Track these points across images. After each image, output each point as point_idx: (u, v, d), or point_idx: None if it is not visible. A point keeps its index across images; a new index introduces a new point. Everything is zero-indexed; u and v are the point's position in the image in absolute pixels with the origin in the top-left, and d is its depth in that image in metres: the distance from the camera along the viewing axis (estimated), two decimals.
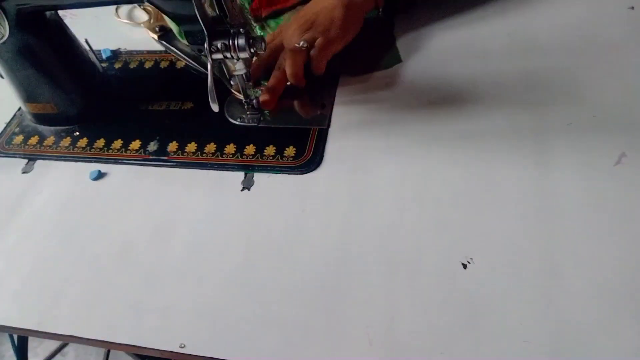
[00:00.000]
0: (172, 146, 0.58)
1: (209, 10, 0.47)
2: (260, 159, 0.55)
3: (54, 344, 1.27)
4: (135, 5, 0.76)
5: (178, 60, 0.68)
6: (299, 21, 0.59)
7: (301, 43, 0.56)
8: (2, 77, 0.60)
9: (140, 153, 0.58)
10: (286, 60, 0.56)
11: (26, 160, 0.61)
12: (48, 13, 0.56)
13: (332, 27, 0.57)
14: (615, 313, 0.39)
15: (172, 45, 0.68)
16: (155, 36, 0.67)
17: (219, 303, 0.45)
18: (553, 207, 0.45)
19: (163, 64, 0.69)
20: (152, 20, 0.72)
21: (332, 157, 0.54)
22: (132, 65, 0.70)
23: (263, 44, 0.49)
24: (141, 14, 0.75)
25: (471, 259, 0.44)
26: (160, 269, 0.48)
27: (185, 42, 0.52)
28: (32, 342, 1.26)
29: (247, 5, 0.66)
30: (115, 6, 0.76)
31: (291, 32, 0.59)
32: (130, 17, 0.76)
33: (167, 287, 0.47)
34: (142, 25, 0.73)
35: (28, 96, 0.61)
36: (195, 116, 0.61)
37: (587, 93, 0.53)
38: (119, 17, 0.76)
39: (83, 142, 0.61)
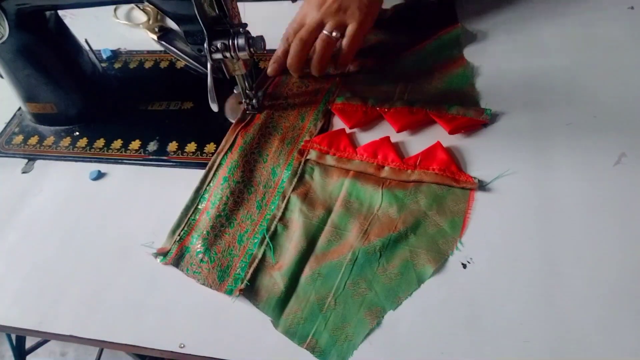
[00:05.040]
0: (172, 146, 0.58)
1: (208, 10, 0.47)
2: None
3: (52, 344, 1.27)
4: (134, 6, 0.76)
5: (178, 60, 0.68)
6: (321, 5, 0.56)
7: (334, 34, 0.55)
8: (2, 77, 0.60)
9: (140, 153, 0.58)
10: (317, 50, 0.56)
11: (26, 160, 0.61)
12: (48, 13, 0.56)
13: (361, 11, 0.55)
14: (615, 313, 0.39)
15: (171, 46, 0.68)
16: (155, 36, 0.67)
17: (219, 303, 0.45)
18: (553, 207, 0.45)
19: (163, 64, 0.69)
20: (151, 21, 0.72)
21: None
22: (132, 65, 0.70)
23: (262, 43, 0.49)
24: (140, 15, 0.75)
25: (471, 259, 0.44)
26: (160, 269, 0.48)
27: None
28: (32, 342, 1.25)
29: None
30: (113, 7, 0.76)
31: (316, 16, 0.56)
32: (128, 18, 0.76)
33: (167, 287, 0.47)
34: (141, 26, 0.73)
35: (28, 96, 0.61)
36: (195, 116, 0.61)
37: (587, 93, 0.53)
38: (117, 18, 0.76)
39: (83, 142, 0.61)
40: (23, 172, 0.60)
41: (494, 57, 0.59)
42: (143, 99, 0.64)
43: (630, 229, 0.43)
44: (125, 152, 0.59)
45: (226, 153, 0.54)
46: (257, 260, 0.46)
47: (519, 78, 0.56)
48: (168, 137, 0.59)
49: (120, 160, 0.58)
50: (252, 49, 0.48)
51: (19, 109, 0.67)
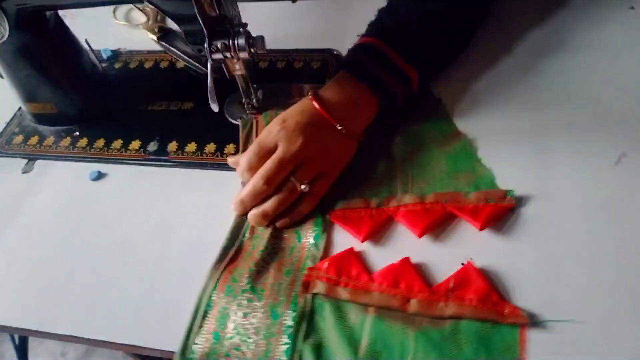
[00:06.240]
0: (172, 146, 0.58)
1: (208, 10, 0.47)
2: None
3: (54, 344, 1.27)
4: (132, 6, 0.76)
5: (178, 60, 0.68)
6: (308, 144, 0.47)
7: (304, 187, 0.46)
8: (2, 77, 0.60)
9: (140, 153, 0.58)
10: (277, 198, 0.47)
11: (26, 160, 0.61)
12: (48, 13, 0.56)
13: (337, 166, 0.49)
14: (615, 313, 0.39)
15: (171, 46, 0.68)
16: (155, 37, 0.67)
17: None
18: (553, 207, 0.45)
19: (163, 64, 0.69)
20: (150, 22, 0.72)
21: None
22: (132, 65, 0.70)
23: (263, 43, 0.49)
24: (139, 16, 0.75)
25: (471, 258, 0.44)
26: (160, 268, 0.48)
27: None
28: (33, 342, 1.26)
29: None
30: (112, 7, 0.76)
31: (294, 151, 0.47)
32: (127, 18, 0.76)
33: (167, 287, 0.47)
34: (140, 26, 0.73)
35: (28, 96, 0.61)
36: (195, 116, 0.61)
37: (587, 93, 0.53)
38: (116, 19, 0.76)
39: (83, 142, 0.61)
40: (23, 172, 0.60)
41: (494, 57, 0.59)
42: (143, 99, 0.64)
43: (631, 229, 0.43)
44: (125, 152, 0.59)
45: (210, 300, 0.43)
46: None
47: (519, 78, 0.56)
48: (168, 137, 0.59)
49: (120, 161, 0.58)
50: (252, 49, 0.48)
51: (19, 109, 0.67)
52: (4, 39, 0.54)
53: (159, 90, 0.65)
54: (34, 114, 0.63)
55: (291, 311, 0.42)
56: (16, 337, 0.95)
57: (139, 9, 0.74)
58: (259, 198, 0.47)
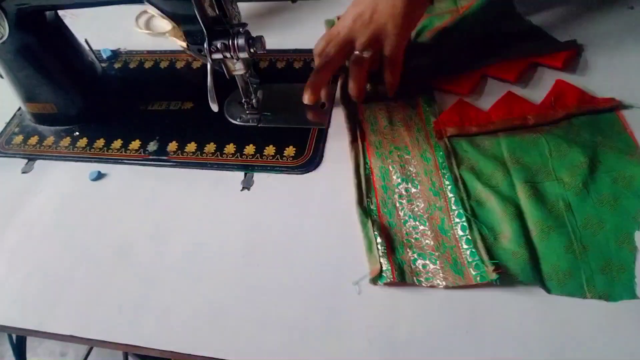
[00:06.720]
0: (172, 146, 0.58)
1: (208, 10, 0.47)
2: (260, 159, 0.55)
3: (54, 344, 1.28)
4: (153, 14, 0.75)
5: (178, 60, 0.68)
6: (355, 18, 0.52)
7: (365, 53, 0.51)
8: (2, 77, 0.60)
9: (140, 153, 0.58)
10: (351, 75, 0.54)
11: (26, 160, 0.61)
12: (48, 13, 0.56)
13: (396, 22, 0.51)
14: (616, 313, 0.39)
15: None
16: (185, 44, 0.66)
17: (219, 303, 0.45)
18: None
19: (163, 64, 0.69)
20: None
21: (332, 156, 0.54)
22: (132, 65, 0.70)
23: (262, 43, 0.49)
24: (162, 24, 0.74)
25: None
26: (160, 268, 0.48)
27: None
28: (32, 342, 1.26)
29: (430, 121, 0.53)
30: (135, 16, 0.75)
31: (346, 31, 0.53)
32: (148, 26, 0.75)
33: (166, 287, 0.47)
34: (167, 35, 0.71)
35: (28, 96, 0.61)
36: (195, 116, 0.61)
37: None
38: (139, 27, 0.75)
39: (83, 142, 0.61)
40: (23, 172, 0.60)
41: None
42: (143, 99, 0.64)
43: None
44: (125, 152, 0.59)
45: (366, 166, 0.51)
46: (479, 241, 0.43)
47: (519, 78, 0.56)
48: (168, 137, 0.59)
49: (120, 161, 0.58)
50: (252, 49, 0.48)
51: (19, 109, 0.67)
52: (4, 39, 0.54)
53: (159, 90, 0.65)
54: (34, 114, 0.63)
55: (437, 152, 0.51)
56: (14, 336, 0.95)
57: (163, 17, 0.73)
58: (325, 76, 0.55)
